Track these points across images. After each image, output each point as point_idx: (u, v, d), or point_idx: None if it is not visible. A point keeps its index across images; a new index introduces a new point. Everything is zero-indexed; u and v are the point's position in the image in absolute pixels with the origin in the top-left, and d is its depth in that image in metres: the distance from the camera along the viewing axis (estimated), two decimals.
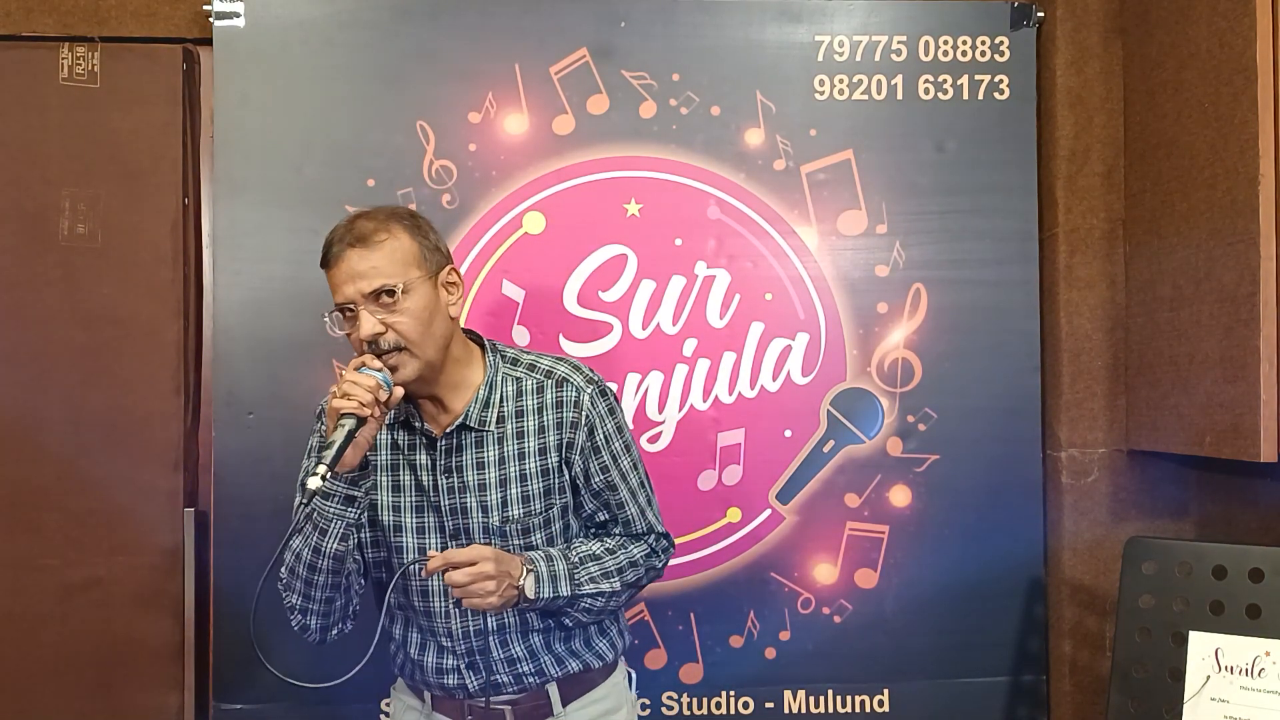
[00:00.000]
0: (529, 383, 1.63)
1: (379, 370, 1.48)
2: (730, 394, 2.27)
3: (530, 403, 1.62)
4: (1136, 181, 2.25)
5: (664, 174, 2.27)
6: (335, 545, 1.51)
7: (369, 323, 1.49)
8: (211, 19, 2.20)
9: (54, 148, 2.21)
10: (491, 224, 2.24)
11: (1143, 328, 2.22)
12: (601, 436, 1.64)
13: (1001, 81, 2.31)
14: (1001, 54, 2.31)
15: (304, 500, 1.45)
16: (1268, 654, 1.79)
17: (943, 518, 2.30)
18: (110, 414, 2.21)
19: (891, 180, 2.30)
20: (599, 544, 1.65)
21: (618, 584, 1.62)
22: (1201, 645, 1.85)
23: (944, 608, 2.29)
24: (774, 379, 2.29)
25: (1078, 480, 2.30)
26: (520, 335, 2.24)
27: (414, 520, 1.62)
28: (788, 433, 2.28)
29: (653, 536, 1.70)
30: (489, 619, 1.62)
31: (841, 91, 2.30)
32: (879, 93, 2.30)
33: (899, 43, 2.30)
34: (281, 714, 2.19)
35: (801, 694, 2.29)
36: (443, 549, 1.58)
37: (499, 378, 1.62)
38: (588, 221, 2.25)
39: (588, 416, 1.62)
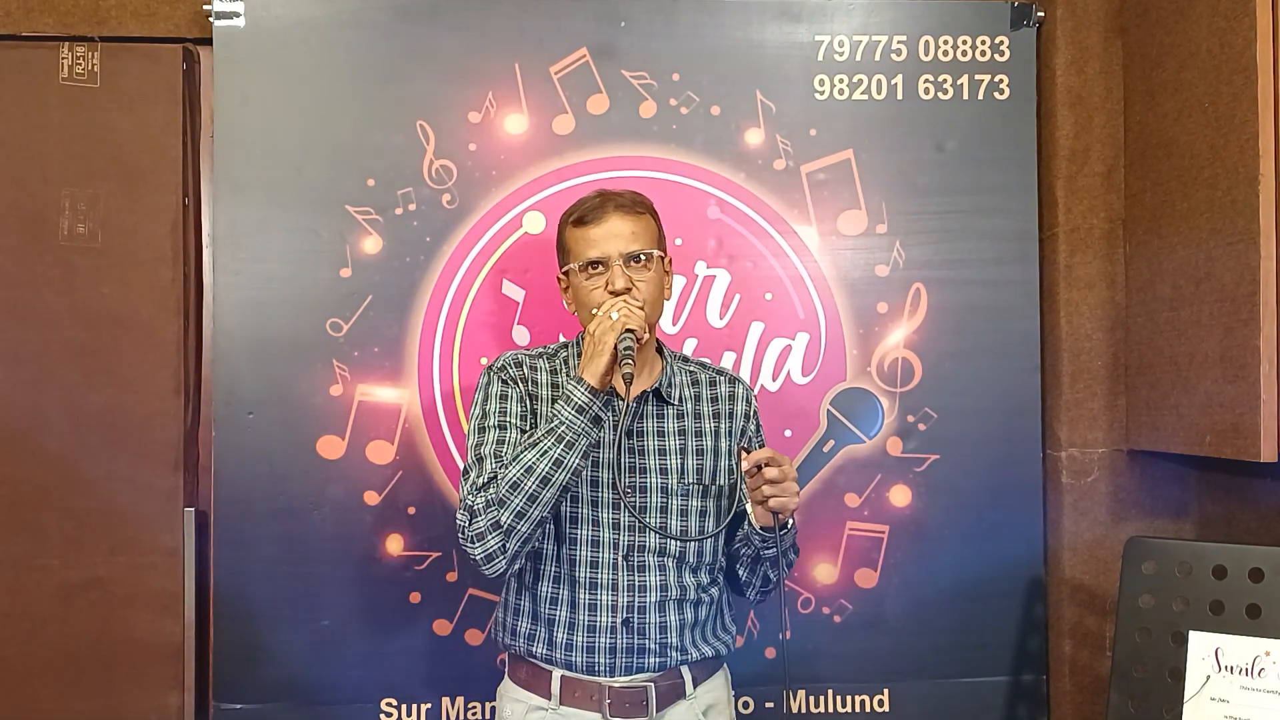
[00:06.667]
0: (704, 375, 1.85)
1: (639, 308, 1.66)
2: None
3: (706, 391, 1.83)
4: (1136, 181, 2.25)
5: (664, 174, 2.27)
6: (577, 460, 1.61)
7: (622, 276, 1.68)
8: (211, 19, 2.20)
9: (54, 148, 2.21)
10: (491, 224, 2.24)
11: (1143, 328, 2.22)
12: (763, 435, 1.89)
13: (1001, 81, 2.31)
14: (1001, 54, 2.31)
15: (625, 374, 1.59)
16: (1268, 654, 1.79)
17: (943, 518, 2.30)
18: (110, 414, 2.21)
19: (891, 180, 2.30)
20: None
21: (794, 553, 1.86)
22: (1201, 645, 1.85)
23: (944, 608, 2.29)
24: (774, 379, 2.29)
25: (1078, 480, 2.30)
26: (520, 335, 2.24)
27: (589, 474, 1.72)
28: (788, 432, 2.28)
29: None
30: (653, 576, 1.72)
31: (841, 91, 2.30)
32: (879, 93, 2.30)
33: (899, 43, 2.30)
34: (281, 714, 2.19)
35: (801, 694, 2.29)
36: (615, 507, 1.72)
37: (676, 368, 1.83)
38: None
39: (755, 414, 1.87)
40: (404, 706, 2.23)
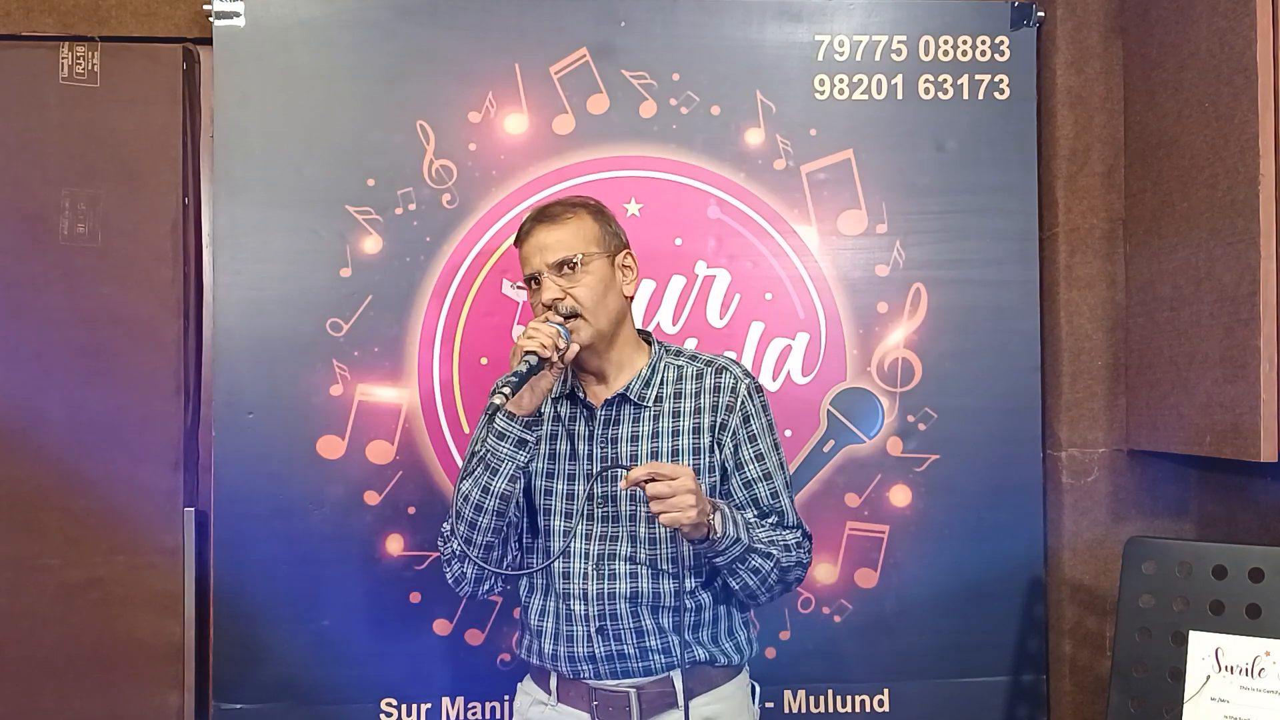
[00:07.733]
0: (690, 369, 1.75)
1: (559, 323, 1.63)
2: None
3: (689, 386, 1.74)
4: (1136, 181, 2.25)
5: (664, 174, 2.27)
6: (504, 485, 1.62)
7: (551, 288, 1.65)
8: (211, 19, 2.20)
9: (54, 148, 2.22)
10: (491, 224, 2.24)
11: (1143, 328, 2.22)
12: (756, 427, 1.74)
13: (1001, 81, 2.31)
14: (1001, 54, 2.31)
15: (487, 416, 1.62)
16: (1268, 654, 1.79)
17: (943, 518, 2.30)
18: (110, 414, 2.21)
19: (891, 180, 2.30)
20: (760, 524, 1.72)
21: (779, 559, 1.68)
22: (1201, 645, 1.85)
23: (944, 608, 2.29)
24: (774, 379, 2.29)
25: (1078, 480, 2.30)
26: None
27: (565, 487, 1.72)
28: (788, 432, 2.28)
29: (799, 532, 1.76)
30: (624, 584, 1.68)
31: (841, 91, 2.30)
32: (879, 92, 2.30)
33: (899, 42, 2.30)
34: (281, 714, 2.19)
35: (801, 694, 2.29)
36: (590, 517, 1.70)
37: (661, 364, 1.75)
38: None
39: (743, 404, 1.73)
40: (404, 706, 2.23)
